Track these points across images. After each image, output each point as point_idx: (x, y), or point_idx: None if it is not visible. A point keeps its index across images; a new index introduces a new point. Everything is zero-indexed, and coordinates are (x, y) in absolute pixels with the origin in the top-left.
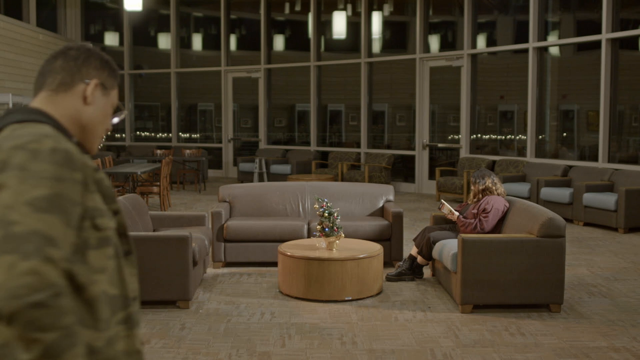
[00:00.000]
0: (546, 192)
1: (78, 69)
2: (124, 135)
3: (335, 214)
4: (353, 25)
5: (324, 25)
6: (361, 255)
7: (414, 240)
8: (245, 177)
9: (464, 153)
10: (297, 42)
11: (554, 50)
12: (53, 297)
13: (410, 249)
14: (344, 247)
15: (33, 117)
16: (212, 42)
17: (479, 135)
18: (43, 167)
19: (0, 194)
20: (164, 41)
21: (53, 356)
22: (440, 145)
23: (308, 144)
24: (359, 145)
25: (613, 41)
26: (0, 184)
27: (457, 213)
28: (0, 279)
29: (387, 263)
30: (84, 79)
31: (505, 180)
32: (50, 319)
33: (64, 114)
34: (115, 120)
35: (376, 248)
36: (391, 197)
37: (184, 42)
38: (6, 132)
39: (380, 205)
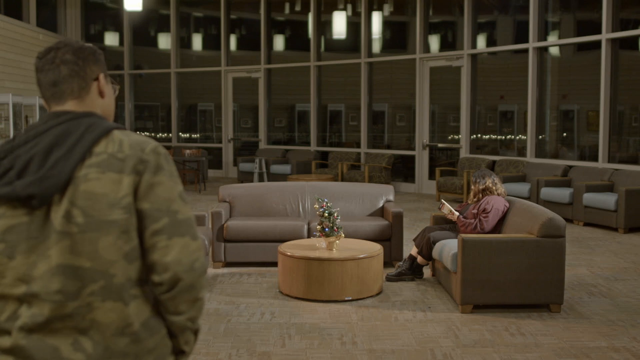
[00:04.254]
0: (546, 192)
1: (84, 72)
2: None
3: (335, 214)
4: (353, 25)
5: (324, 25)
6: (361, 255)
7: (414, 240)
8: (245, 177)
9: (464, 153)
10: (297, 42)
11: (554, 50)
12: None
13: (410, 249)
14: (344, 247)
15: (116, 125)
16: (212, 42)
17: (479, 135)
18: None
19: (163, 187)
20: (164, 41)
21: (201, 306)
22: (440, 145)
23: (308, 144)
24: (359, 145)
25: (613, 41)
26: (159, 180)
27: (457, 213)
28: (181, 254)
29: (387, 263)
30: (92, 77)
31: (505, 180)
32: (203, 280)
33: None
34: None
35: (376, 248)
36: (391, 197)
37: (184, 42)
38: (122, 135)
39: (380, 205)
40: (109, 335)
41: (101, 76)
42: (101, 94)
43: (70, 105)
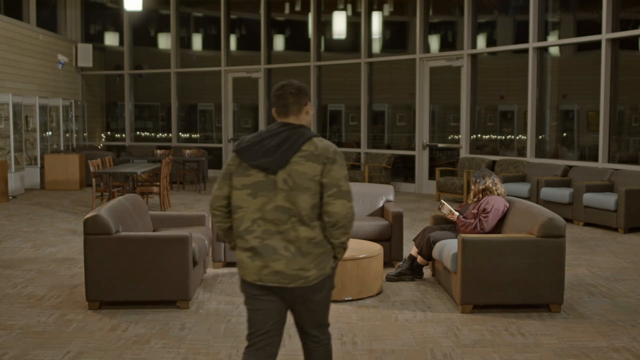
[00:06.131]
0: (546, 192)
1: (301, 100)
2: (124, 135)
3: None
4: (353, 25)
5: (324, 25)
6: (361, 255)
7: (414, 240)
8: None
9: (464, 153)
10: (297, 42)
11: (554, 50)
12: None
13: (410, 249)
14: None
15: (315, 134)
16: (212, 42)
17: (479, 135)
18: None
19: (335, 172)
20: (164, 41)
21: (348, 238)
22: (440, 145)
23: None
24: (359, 145)
25: (613, 41)
26: (334, 167)
27: (457, 213)
28: (342, 209)
29: (387, 263)
30: (304, 103)
31: (505, 180)
32: (352, 224)
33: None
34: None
35: (376, 248)
36: (391, 197)
37: (184, 42)
38: (318, 142)
39: (380, 205)
40: (302, 243)
41: (308, 103)
42: (307, 113)
43: (291, 119)
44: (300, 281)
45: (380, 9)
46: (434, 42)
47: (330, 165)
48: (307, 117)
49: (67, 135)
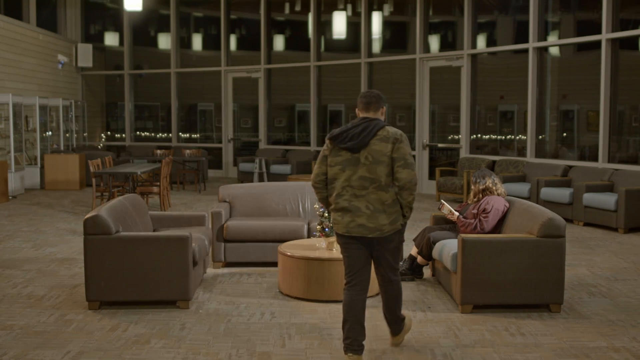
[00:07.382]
0: (546, 192)
1: (379, 103)
2: (124, 135)
3: None
4: (353, 25)
5: (324, 25)
6: None
7: (414, 240)
8: (245, 177)
9: (464, 153)
10: (297, 42)
11: (554, 50)
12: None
13: (410, 249)
14: None
15: (386, 123)
16: (212, 42)
17: (479, 135)
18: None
19: (402, 149)
20: (164, 41)
21: (413, 198)
22: (440, 145)
23: (308, 144)
24: None
25: (613, 41)
26: (401, 146)
27: (457, 213)
28: (407, 175)
29: None
30: (381, 106)
31: (505, 180)
32: (415, 187)
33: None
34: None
35: None
36: None
37: (184, 42)
38: (389, 128)
39: None
40: (378, 204)
41: (384, 107)
42: (382, 114)
43: (370, 115)
44: (377, 232)
45: (380, 9)
46: (434, 42)
47: (399, 144)
48: (382, 116)
49: (67, 135)
